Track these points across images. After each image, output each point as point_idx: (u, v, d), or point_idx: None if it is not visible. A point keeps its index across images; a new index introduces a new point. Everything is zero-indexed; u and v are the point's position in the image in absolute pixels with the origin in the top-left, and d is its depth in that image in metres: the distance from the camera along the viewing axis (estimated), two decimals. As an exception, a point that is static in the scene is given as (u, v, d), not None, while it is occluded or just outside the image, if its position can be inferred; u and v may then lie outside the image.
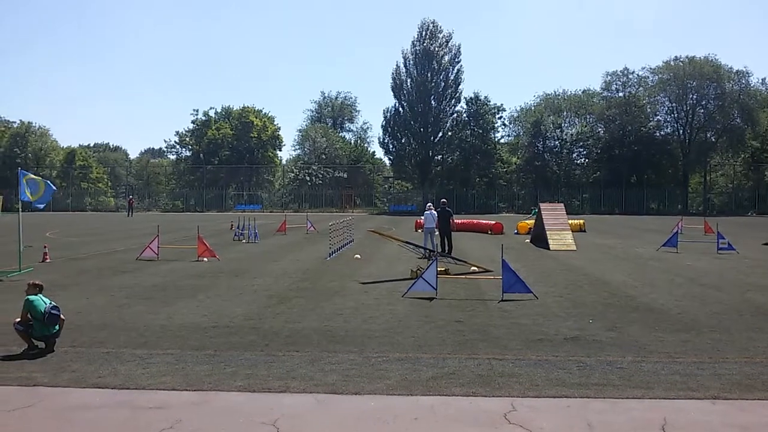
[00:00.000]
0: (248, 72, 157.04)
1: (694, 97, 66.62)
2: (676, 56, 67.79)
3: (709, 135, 68.73)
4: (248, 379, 6.47)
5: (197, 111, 77.41)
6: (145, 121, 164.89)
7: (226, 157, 74.02)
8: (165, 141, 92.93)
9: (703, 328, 8.93)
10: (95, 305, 10.61)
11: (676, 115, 68.73)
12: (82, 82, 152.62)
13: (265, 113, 78.80)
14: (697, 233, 27.85)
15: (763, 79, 70.76)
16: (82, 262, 17.12)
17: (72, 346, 7.76)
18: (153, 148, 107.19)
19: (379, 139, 68.20)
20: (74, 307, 10.28)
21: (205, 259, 17.36)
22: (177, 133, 78.41)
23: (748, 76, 66.58)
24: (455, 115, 67.41)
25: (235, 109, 77.77)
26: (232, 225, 31.38)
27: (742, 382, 6.43)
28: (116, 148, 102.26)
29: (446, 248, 18.86)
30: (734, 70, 66.02)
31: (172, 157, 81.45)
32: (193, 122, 77.05)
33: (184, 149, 78.41)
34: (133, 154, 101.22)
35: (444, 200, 21.03)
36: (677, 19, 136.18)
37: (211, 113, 77.72)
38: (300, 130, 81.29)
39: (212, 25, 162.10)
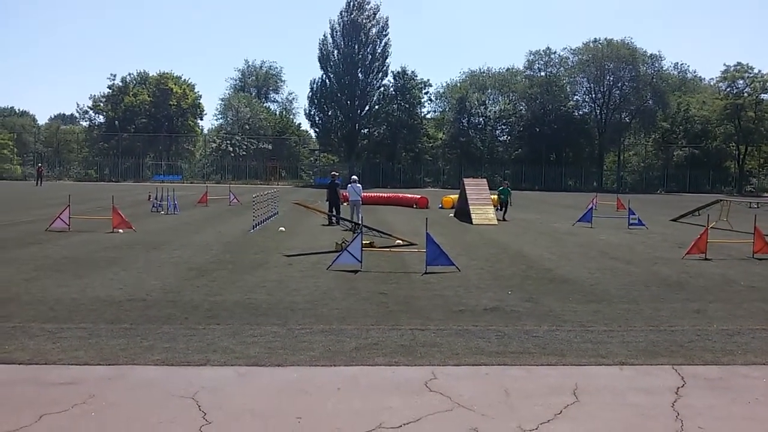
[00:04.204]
0: (167, 36, 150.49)
1: (611, 78, 69.24)
2: (595, 38, 70.19)
3: (623, 116, 71.77)
4: (166, 353, 6.28)
5: (114, 76, 73.42)
6: (55, 85, 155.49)
7: (143, 125, 70.59)
8: (78, 105, 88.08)
9: (613, 299, 9.39)
10: (-1, 278, 10.00)
11: (593, 96, 71.33)
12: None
13: (185, 80, 75.76)
14: (610, 209, 29.24)
15: (675, 64, 74.69)
16: (-16, 233, 16.06)
17: (-27, 321, 7.29)
18: (64, 114, 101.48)
19: (305, 110, 67.27)
20: (-25, 280, 9.66)
21: (121, 230, 16.67)
22: (92, 97, 74.30)
23: (661, 60, 70.10)
24: (382, 88, 67.28)
25: (152, 75, 74.16)
26: (149, 196, 30.18)
27: (648, 348, 6.81)
28: (23, 113, 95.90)
29: (334, 218, 19.62)
30: (648, 54, 69.11)
31: (85, 123, 77.14)
32: (109, 87, 73.09)
33: (98, 115, 74.35)
34: (42, 120, 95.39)
35: (334, 173, 22.71)
36: (597, 1, 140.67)
37: (128, 79, 73.91)
38: (222, 99, 78.92)
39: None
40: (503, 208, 24.47)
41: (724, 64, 74.40)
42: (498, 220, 22.41)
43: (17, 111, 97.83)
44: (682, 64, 78.93)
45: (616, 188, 64.60)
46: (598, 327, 7.70)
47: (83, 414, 4.82)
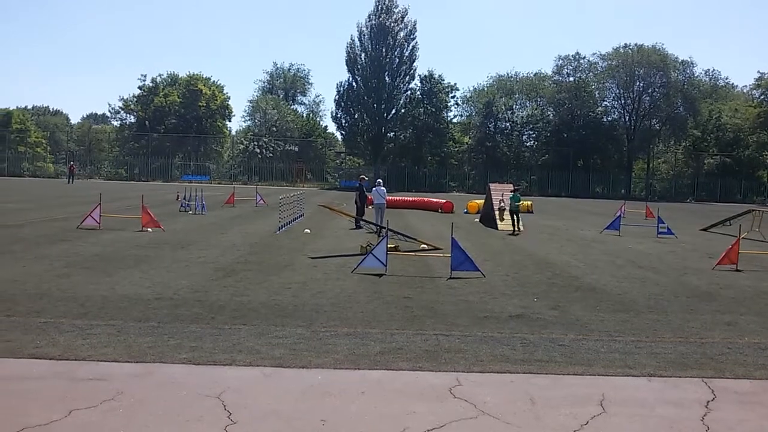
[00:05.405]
0: (197, 38, 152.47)
1: (641, 84, 68.19)
2: (625, 43, 69.22)
3: (653, 122, 70.58)
4: (193, 352, 6.35)
5: (145, 77, 74.65)
6: (88, 85, 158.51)
7: (172, 125, 71.55)
8: (109, 105, 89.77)
9: (641, 309, 9.26)
10: (32, 274, 10.20)
11: (623, 102, 70.27)
12: (19, 40, 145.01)
13: (214, 82, 76.65)
14: (639, 217, 28.79)
15: (707, 70, 73.16)
16: (17, 230, 16.41)
17: (6, 315, 7.46)
18: (96, 114, 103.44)
19: (331, 113, 67.69)
20: (8, 275, 9.89)
21: (150, 229, 16.91)
22: (121, 98, 75.61)
23: (693, 67, 68.75)
24: (409, 92, 67.44)
25: (182, 76, 75.18)
26: (178, 195, 30.56)
27: (677, 360, 6.69)
28: (56, 112, 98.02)
29: (359, 221, 19.81)
30: (680, 60, 67.96)
31: (116, 123, 78.55)
32: (140, 88, 74.29)
33: (129, 115, 75.64)
34: (75, 119, 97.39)
35: (363, 177, 23.37)
36: (628, 7, 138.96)
37: (158, 80, 75.09)
38: (251, 101, 79.56)
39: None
40: (513, 218, 20.48)
41: (758, 72, 72.60)
42: (511, 233, 19.93)
43: (51, 110, 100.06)
44: (714, 71, 77.18)
45: (644, 196, 63.63)
46: (625, 337, 7.59)
47: (111, 410, 4.89)
